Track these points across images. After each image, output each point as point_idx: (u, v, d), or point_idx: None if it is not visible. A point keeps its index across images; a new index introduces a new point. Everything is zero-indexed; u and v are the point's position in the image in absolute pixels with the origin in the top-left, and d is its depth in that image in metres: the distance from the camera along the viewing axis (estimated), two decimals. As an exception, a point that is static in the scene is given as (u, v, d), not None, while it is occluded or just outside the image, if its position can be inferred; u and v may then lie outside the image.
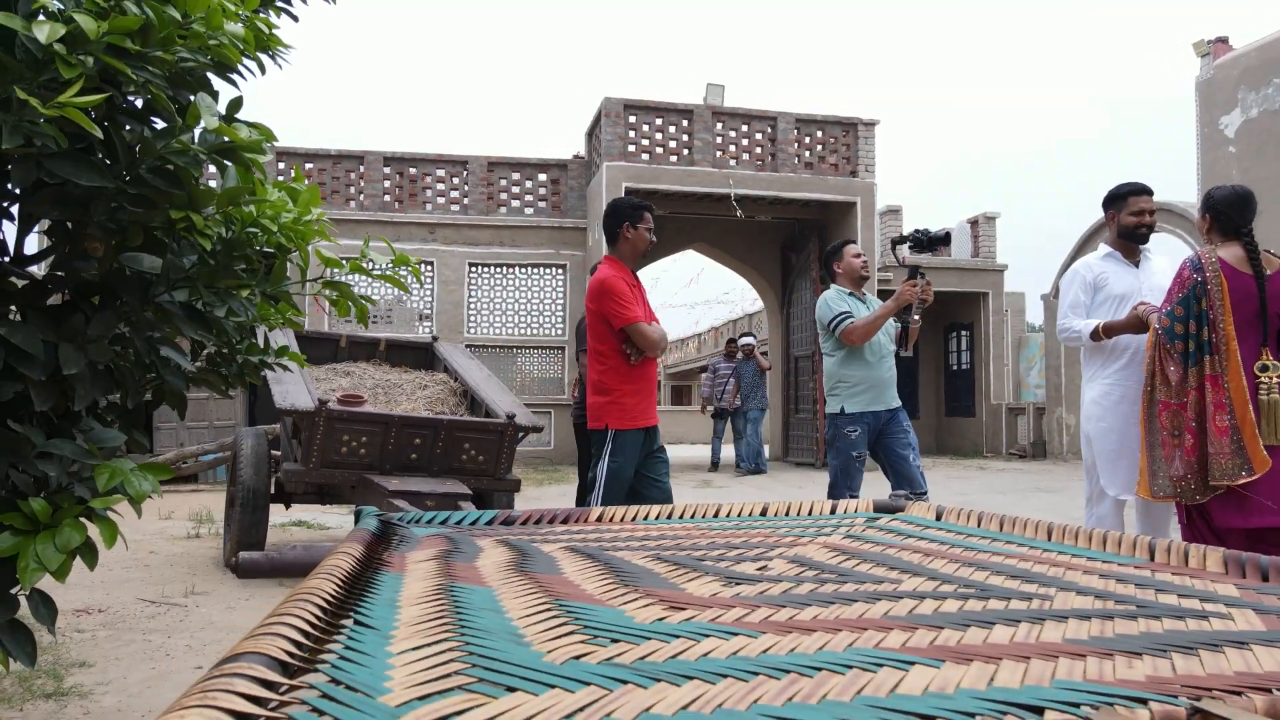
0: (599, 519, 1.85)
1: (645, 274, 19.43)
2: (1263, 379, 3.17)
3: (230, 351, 1.62)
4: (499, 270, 13.08)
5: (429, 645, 0.73)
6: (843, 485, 4.04)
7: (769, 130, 12.37)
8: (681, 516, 1.87)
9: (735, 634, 0.80)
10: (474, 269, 12.96)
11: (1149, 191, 3.83)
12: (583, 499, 4.71)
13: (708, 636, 0.79)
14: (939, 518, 1.75)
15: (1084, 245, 13.70)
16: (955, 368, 17.56)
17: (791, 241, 14.31)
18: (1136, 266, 3.79)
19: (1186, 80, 16.96)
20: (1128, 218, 3.80)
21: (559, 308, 13.28)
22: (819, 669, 0.67)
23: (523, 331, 13.19)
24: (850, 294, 4.22)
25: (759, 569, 1.20)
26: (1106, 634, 0.79)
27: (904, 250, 4.15)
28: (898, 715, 0.55)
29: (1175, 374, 3.30)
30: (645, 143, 12.04)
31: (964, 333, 17.37)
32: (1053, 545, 1.38)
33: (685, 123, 12.10)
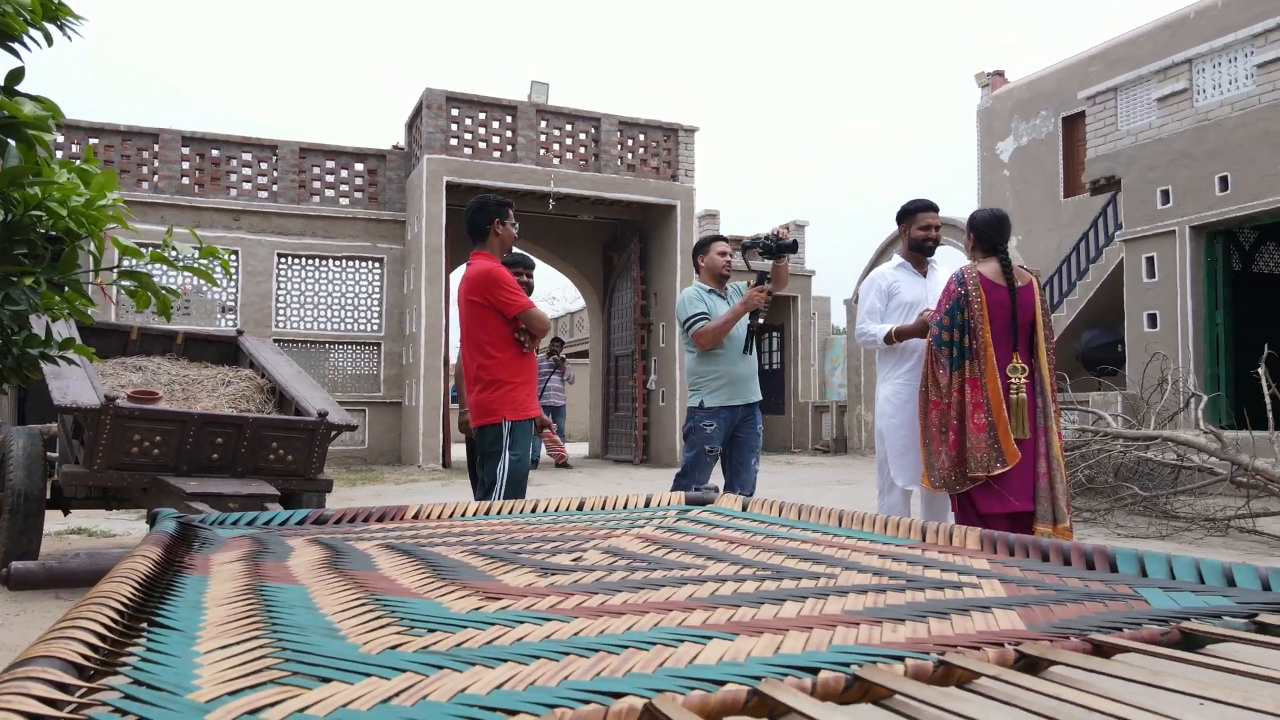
0: (415, 516, 1.84)
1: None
2: (1013, 379, 3.55)
3: (5, 343, 1.48)
4: (311, 262, 12.47)
5: (238, 643, 0.72)
6: (691, 477, 4.11)
7: (592, 131, 12.50)
8: (499, 513, 1.89)
9: (548, 620, 0.84)
10: (283, 260, 12.29)
11: (935, 208, 4.19)
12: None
13: (522, 623, 0.82)
14: (745, 509, 1.85)
15: (881, 255, 14.72)
16: (766, 368, 18.41)
17: (613, 241, 14.52)
18: (924, 276, 4.15)
19: (971, 107, 18.55)
20: (916, 231, 4.16)
21: (375, 302, 12.83)
22: (625, 647, 0.72)
23: (336, 327, 12.64)
24: (711, 291, 4.25)
25: (574, 560, 1.24)
26: (878, 605, 0.88)
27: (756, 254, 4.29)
28: (695, 682, 0.61)
29: (943, 376, 3.67)
30: (468, 137, 11.85)
31: (775, 334, 18.24)
32: (842, 530, 1.50)
33: (509, 119, 12.01)
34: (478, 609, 0.89)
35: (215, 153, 11.97)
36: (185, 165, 11.79)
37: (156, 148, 11.60)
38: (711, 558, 1.24)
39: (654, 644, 0.73)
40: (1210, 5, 12.73)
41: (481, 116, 11.93)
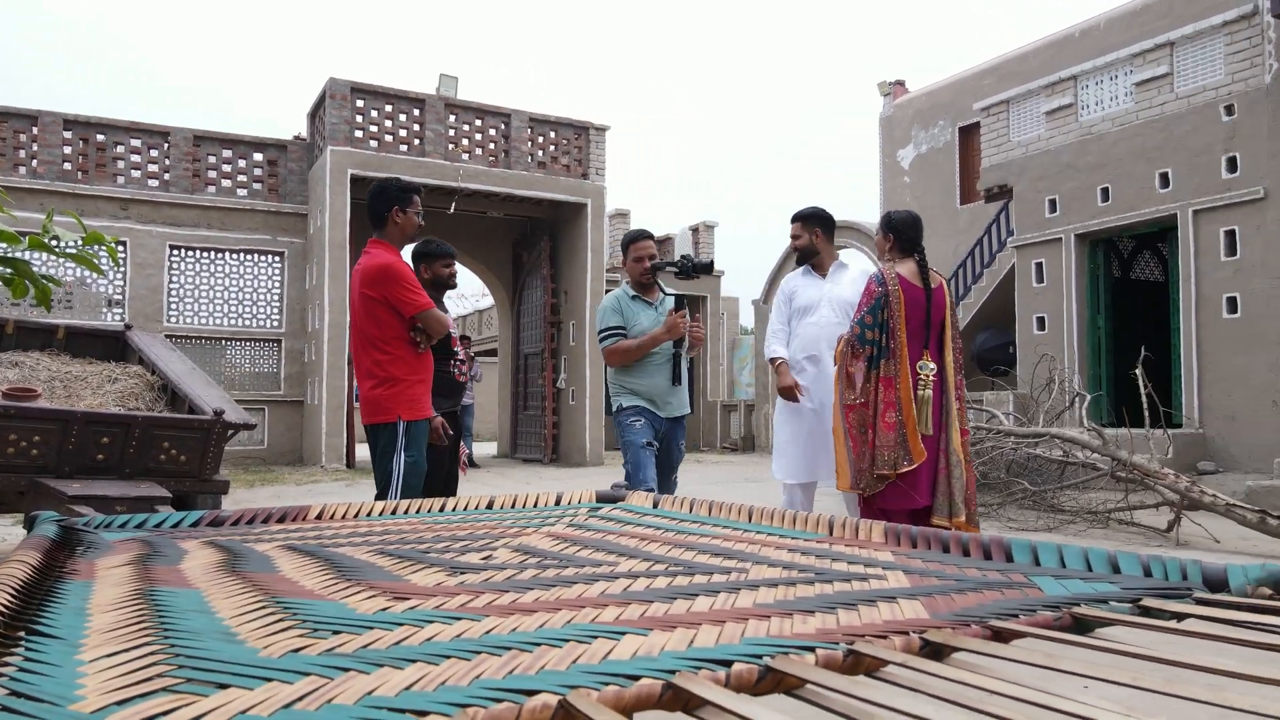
0: (319, 516, 1.78)
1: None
2: (921, 376, 3.63)
3: None
4: (206, 255, 11.95)
5: (126, 651, 0.68)
6: (637, 478, 3.85)
7: (503, 127, 12.36)
8: (406, 512, 1.85)
9: (459, 619, 0.82)
10: (176, 252, 11.74)
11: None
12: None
13: (431, 623, 0.80)
14: (656, 505, 1.86)
15: (787, 257, 15.03)
16: (676, 367, 18.57)
17: (523, 239, 14.40)
18: (824, 279, 4.22)
19: (875, 115, 19.11)
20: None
21: (275, 298, 12.39)
22: (539, 644, 0.71)
23: (234, 323, 12.16)
24: (636, 297, 3.99)
25: (484, 558, 1.22)
26: (789, 597, 0.90)
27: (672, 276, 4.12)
28: (610, 678, 0.60)
29: (858, 377, 3.70)
30: (374, 129, 11.55)
31: (684, 334, 18.41)
32: (752, 526, 1.52)
33: (417, 112, 11.76)
34: (385, 609, 0.87)
35: (101, 138, 11.35)
36: (68, 150, 11.14)
37: (36, 130, 10.93)
38: (624, 554, 1.24)
39: (567, 640, 0.72)
40: (1093, 25, 13.42)
41: (388, 109, 11.65)
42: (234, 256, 12.08)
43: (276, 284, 12.34)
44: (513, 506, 1.92)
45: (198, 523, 1.70)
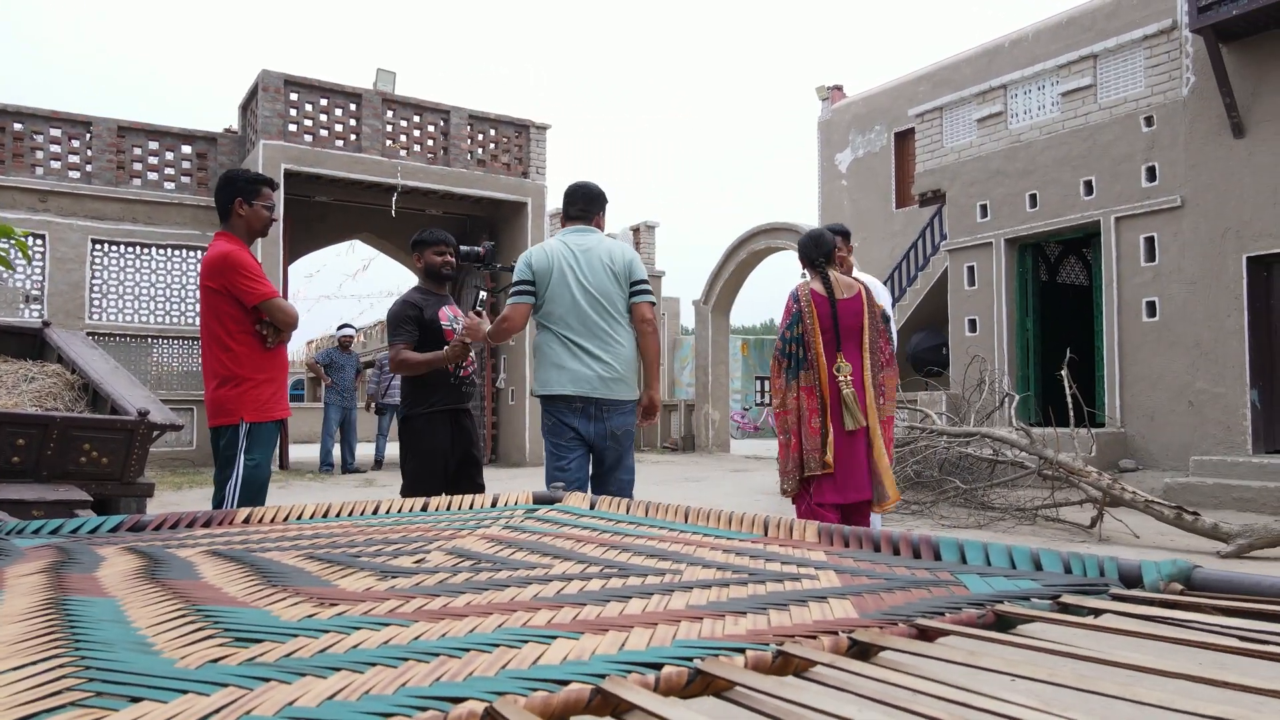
0: (246, 520, 1.74)
1: (308, 263, 18.27)
2: (840, 376, 3.84)
3: None
4: (131, 250, 11.54)
5: (33, 663, 0.66)
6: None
7: (442, 124, 12.20)
8: (338, 515, 1.81)
9: (387, 624, 0.80)
10: (99, 247, 11.32)
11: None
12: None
13: (358, 629, 0.79)
14: (593, 507, 1.86)
15: (730, 256, 15.15)
16: (616, 367, 18.56)
17: (463, 237, 14.25)
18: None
19: (814, 118, 19.39)
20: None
21: (205, 294, 12.02)
22: (467, 650, 0.70)
23: (161, 320, 11.77)
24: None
25: (416, 562, 1.20)
26: (721, 599, 0.90)
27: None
28: (538, 683, 0.60)
29: (781, 385, 3.97)
30: (308, 123, 11.29)
31: (624, 334, 18.41)
32: (687, 527, 1.53)
33: (353, 107, 11.54)
34: (311, 616, 0.85)
35: (19, 127, 10.88)
36: (-18, 139, 10.67)
37: (-54, 118, 10.45)
38: (558, 556, 1.23)
39: (497, 646, 0.71)
40: (1023, 36, 13.81)
41: (323, 103, 11.40)
42: (161, 252, 11.69)
43: (206, 280, 11.96)
44: (448, 509, 1.89)
45: (118, 528, 1.65)
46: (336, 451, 11.89)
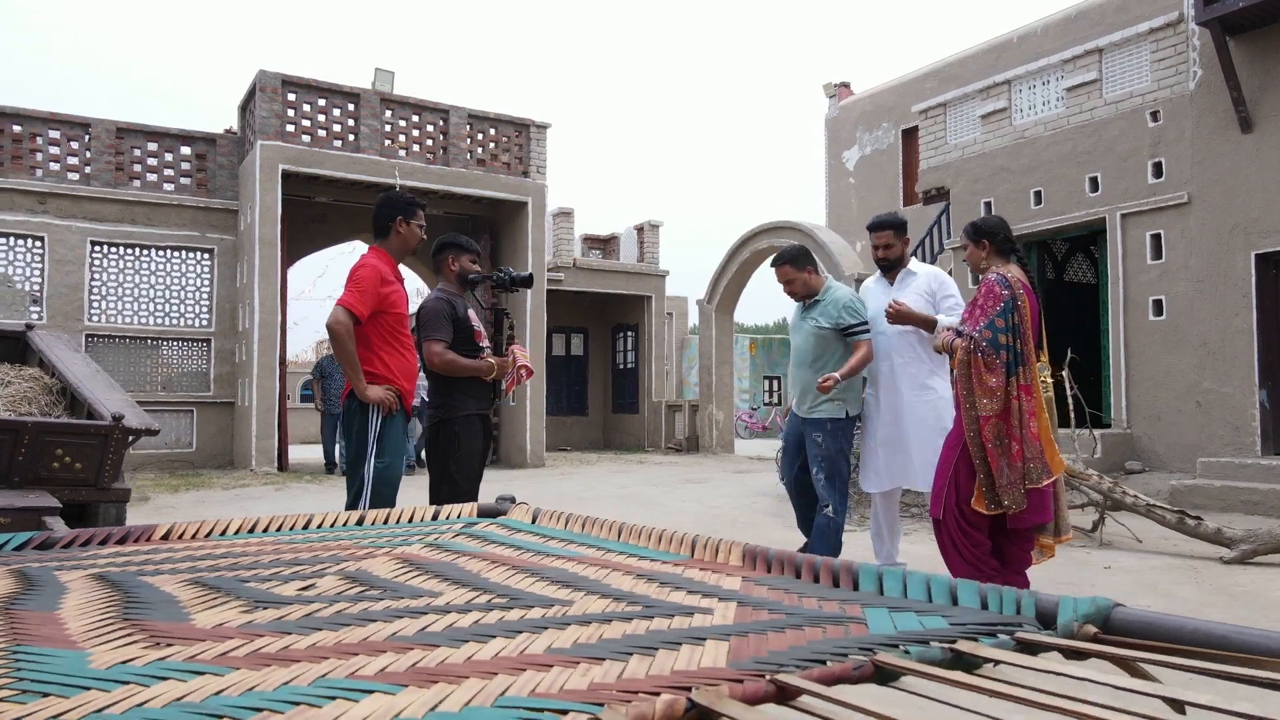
0: (165, 536, 1.66)
1: (315, 263, 18.29)
2: (1043, 379, 3.49)
3: None
4: (130, 251, 11.53)
5: None
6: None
7: (441, 123, 12.14)
8: (266, 530, 1.73)
9: (201, 673, 0.73)
10: (98, 248, 11.31)
11: (882, 227, 4.40)
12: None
13: (165, 679, 0.71)
14: (534, 520, 1.78)
15: (732, 256, 15.04)
16: (622, 367, 18.50)
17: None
18: (891, 285, 4.35)
19: (821, 115, 19.26)
20: (871, 248, 4.43)
21: (204, 295, 12.01)
22: (260, 709, 0.62)
23: (160, 321, 11.76)
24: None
25: (301, 589, 1.12)
26: (592, 640, 0.82)
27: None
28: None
29: (996, 384, 3.40)
30: (306, 124, 11.25)
31: (629, 333, 18.34)
32: (617, 545, 1.45)
33: (351, 106, 11.49)
34: (128, 661, 0.77)
35: (17, 128, 10.88)
36: (-19, 141, 10.68)
37: (-54, 121, 10.46)
38: (458, 582, 1.15)
39: (298, 703, 0.63)
40: (1031, 31, 13.66)
41: (321, 103, 11.36)
42: (160, 253, 11.68)
43: (206, 282, 11.97)
44: (385, 522, 1.82)
45: (24, 545, 1.57)
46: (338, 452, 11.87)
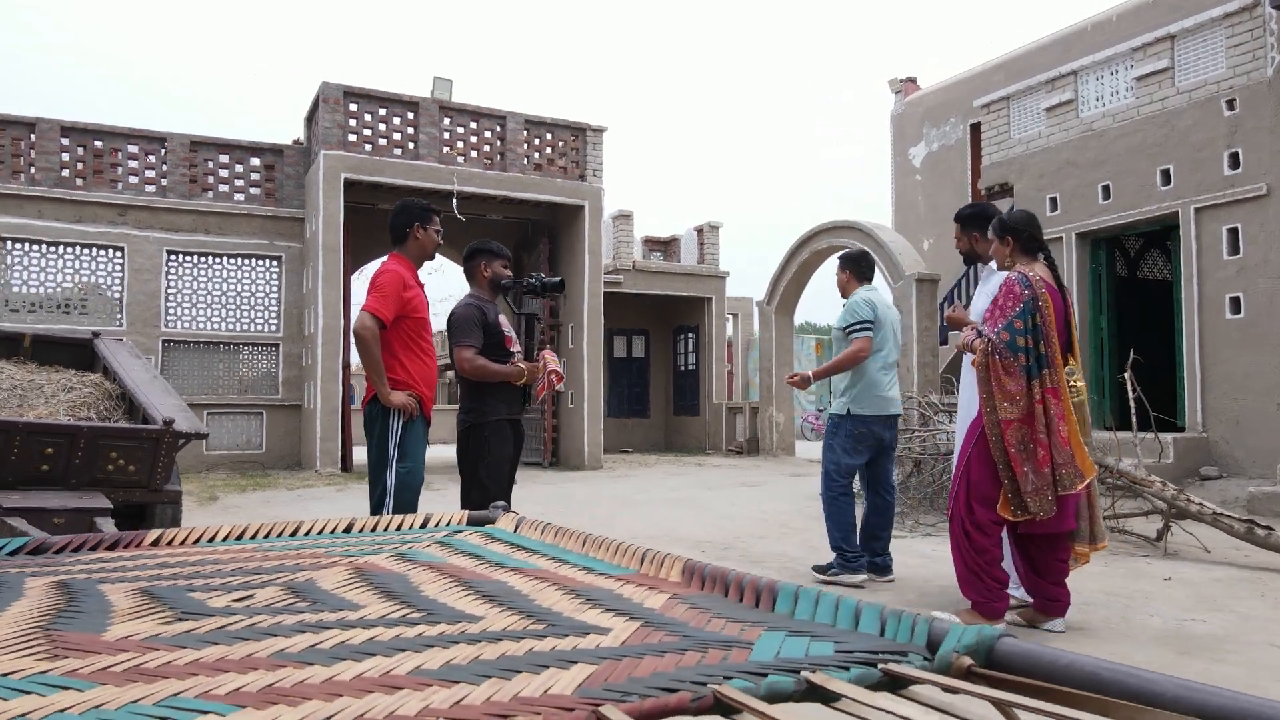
0: (155, 543, 1.71)
1: (371, 271, 18.72)
2: (1073, 384, 3.34)
3: None
4: (203, 259, 11.99)
5: None
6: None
7: (498, 129, 12.31)
8: (254, 537, 1.77)
9: (66, 687, 0.74)
10: (173, 257, 11.79)
11: (956, 219, 4.29)
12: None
13: (29, 693, 0.73)
14: (516, 529, 1.78)
15: (792, 256, 14.87)
16: (683, 368, 18.46)
17: (524, 241, 14.37)
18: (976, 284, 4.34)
19: (886, 113, 18.92)
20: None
21: (273, 301, 12.41)
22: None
23: (232, 327, 12.19)
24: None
25: (236, 600, 1.14)
26: (465, 661, 0.81)
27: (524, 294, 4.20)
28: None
29: (1017, 388, 3.28)
30: (367, 133, 11.53)
31: (690, 335, 18.29)
32: (575, 557, 1.44)
33: (411, 115, 11.73)
34: (7, 674, 0.79)
35: (99, 144, 11.41)
36: (65, 157, 11.22)
37: (33, 137, 11.01)
38: (390, 595, 1.15)
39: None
40: (1106, 19, 13.18)
41: (382, 112, 11.63)
42: (231, 261, 12.11)
43: (274, 288, 12.36)
44: (373, 530, 1.84)
45: (18, 550, 1.63)
46: None
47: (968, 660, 0.73)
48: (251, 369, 12.32)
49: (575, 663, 0.80)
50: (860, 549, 4.59)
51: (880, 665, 0.73)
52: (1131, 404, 6.13)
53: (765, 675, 0.73)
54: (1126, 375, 6.23)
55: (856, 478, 4.87)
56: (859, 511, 4.73)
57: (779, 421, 15.42)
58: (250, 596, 1.17)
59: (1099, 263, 10.11)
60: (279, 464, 12.11)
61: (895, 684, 0.71)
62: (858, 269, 4.80)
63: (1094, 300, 10.10)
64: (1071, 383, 3.35)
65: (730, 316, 22.60)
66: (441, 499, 8.43)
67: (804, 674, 0.72)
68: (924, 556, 5.31)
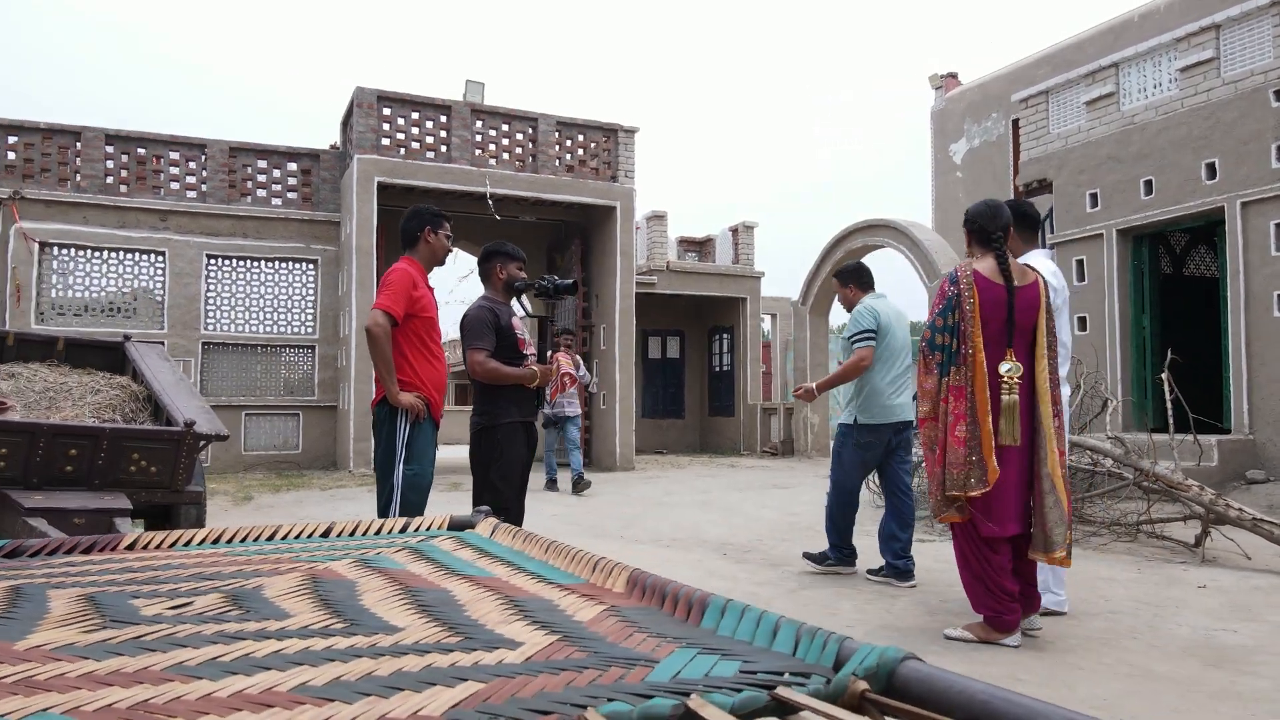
0: (130, 546, 1.71)
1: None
2: (1005, 378, 3.19)
3: None
4: (242, 263, 12.21)
5: None
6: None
7: (530, 131, 12.35)
8: (230, 541, 1.76)
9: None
10: (213, 261, 12.02)
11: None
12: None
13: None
14: (492, 534, 1.76)
15: (826, 256, 14.71)
16: (718, 369, 18.37)
17: (557, 243, 14.40)
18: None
19: (925, 109, 18.65)
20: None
21: (309, 304, 12.60)
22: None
23: (269, 329, 12.39)
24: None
25: (171, 608, 1.13)
26: (355, 677, 0.78)
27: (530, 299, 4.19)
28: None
29: (930, 386, 3.30)
30: (401, 137, 11.65)
31: (725, 336, 18.19)
32: (534, 564, 1.41)
33: (443, 118, 11.82)
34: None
35: (141, 151, 11.68)
36: (109, 164, 11.50)
37: (79, 146, 11.30)
38: (326, 604, 1.14)
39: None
40: (1153, 10, 12.85)
41: (414, 116, 11.74)
42: (269, 264, 12.32)
43: (310, 291, 12.55)
44: (351, 534, 1.83)
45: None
46: None
47: (863, 685, 0.69)
48: (288, 370, 12.51)
49: (465, 680, 0.77)
50: (854, 548, 4.79)
51: (774, 689, 0.69)
52: (1168, 405, 5.95)
53: (650, 698, 0.69)
54: (1164, 375, 6.04)
55: (865, 484, 4.97)
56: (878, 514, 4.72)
57: (814, 423, 15.27)
58: (189, 604, 1.16)
59: (1140, 260, 9.84)
60: (314, 464, 12.28)
61: (781, 710, 0.67)
62: (858, 280, 4.87)
63: (1135, 298, 9.83)
64: (1005, 377, 3.20)
65: (768, 317, 22.44)
66: (461, 500, 8.46)
67: (686, 700, 0.68)
68: (948, 561, 5.20)
